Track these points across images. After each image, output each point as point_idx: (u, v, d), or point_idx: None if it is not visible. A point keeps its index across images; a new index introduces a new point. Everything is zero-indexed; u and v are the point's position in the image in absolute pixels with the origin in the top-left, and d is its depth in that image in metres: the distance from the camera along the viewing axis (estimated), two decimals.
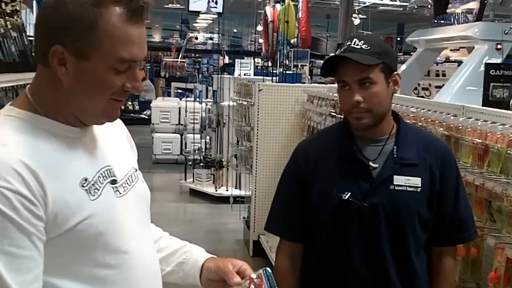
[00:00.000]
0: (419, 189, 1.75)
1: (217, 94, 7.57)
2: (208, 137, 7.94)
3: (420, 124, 2.90)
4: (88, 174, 1.14)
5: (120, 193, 1.20)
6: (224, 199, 7.03)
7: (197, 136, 8.17)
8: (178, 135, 9.50)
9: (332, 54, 1.80)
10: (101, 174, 1.17)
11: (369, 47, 1.72)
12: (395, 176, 1.75)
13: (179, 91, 11.56)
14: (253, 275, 1.25)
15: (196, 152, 7.86)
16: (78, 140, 1.17)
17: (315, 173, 1.82)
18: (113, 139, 1.29)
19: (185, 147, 8.59)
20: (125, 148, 1.34)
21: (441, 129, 2.71)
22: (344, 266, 1.77)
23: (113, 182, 1.19)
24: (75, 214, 1.09)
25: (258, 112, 5.01)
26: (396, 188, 1.74)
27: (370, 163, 1.77)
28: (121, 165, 1.24)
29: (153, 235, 1.36)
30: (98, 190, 1.14)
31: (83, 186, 1.12)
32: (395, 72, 1.80)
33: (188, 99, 8.91)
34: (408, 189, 1.74)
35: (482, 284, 2.53)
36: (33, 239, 1.05)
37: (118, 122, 1.35)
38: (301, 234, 1.88)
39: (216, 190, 7.40)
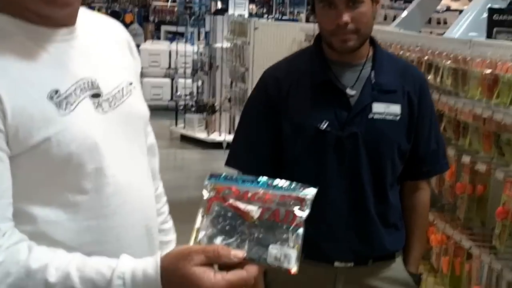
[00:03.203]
0: (398, 118, 1.67)
1: (210, 36, 7.33)
2: (200, 81, 7.71)
3: (426, 57, 2.79)
4: (60, 86, 1.00)
5: (104, 109, 1.05)
6: (217, 145, 6.92)
7: (189, 80, 7.92)
8: (168, 80, 9.20)
9: None
10: (79, 85, 1.02)
11: None
12: (374, 104, 1.65)
13: (169, 35, 11.22)
14: (208, 194, 0.91)
15: (188, 96, 7.64)
16: (52, 46, 1.02)
17: (288, 102, 1.67)
18: (105, 46, 1.13)
19: (176, 92, 8.36)
20: (120, 57, 1.17)
21: (448, 62, 2.61)
22: (321, 202, 1.64)
23: (96, 95, 1.05)
24: (41, 129, 0.96)
25: (253, 52, 4.88)
26: (375, 117, 1.65)
27: (347, 90, 1.66)
28: (110, 77, 1.09)
29: (147, 163, 1.18)
30: (72, 104, 1.00)
31: (51, 99, 0.98)
32: None
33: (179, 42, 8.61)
34: (388, 117, 1.66)
35: (487, 223, 2.48)
36: None
37: (116, 26, 1.21)
38: (270, 170, 1.72)
39: (208, 136, 7.24)
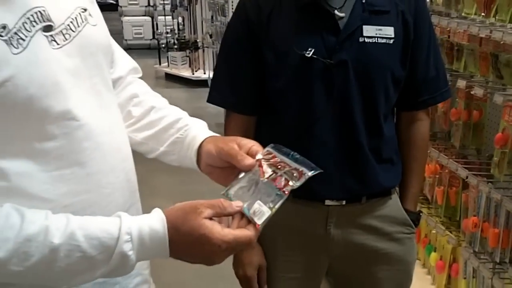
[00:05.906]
0: (391, 41, 1.51)
1: None
2: (180, 18, 7.57)
3: None
4: (7, 20, 0.86)
5: (58, 44, 0.92)
6: (202, 83, 6.77)
7: (169, 18, 7.76)
8: (149, 18, 9.19)
9: None
10: (28, 18, 0.88)
11: None
12: (364, 27, 1.49)
13: None
14: (260, 156, 0.98)
15: (169, 34, 7.50)
16: None
17: (270, 28, 1.52)
18: None
19: (157, 29, 8.31)
20: None
21: None
22: (309, 137, 1.53)
23: (48, 28, 0.91)
24: None
25: None
26: (366, 40, 1.49)
27: (336, 12, 1.49)
28: (60, 5, 0.95)
29: (115, 99, 1.08)
30: (24, 40, 0.87)
31: (0, 36, 0.85)
32: None
33: None
34: (380, 41, 1.50)
35: (482, 150, 2.37)
36: None
37: None
38: (254, 105, 1.59)
39: (193, 74, 7.13)
